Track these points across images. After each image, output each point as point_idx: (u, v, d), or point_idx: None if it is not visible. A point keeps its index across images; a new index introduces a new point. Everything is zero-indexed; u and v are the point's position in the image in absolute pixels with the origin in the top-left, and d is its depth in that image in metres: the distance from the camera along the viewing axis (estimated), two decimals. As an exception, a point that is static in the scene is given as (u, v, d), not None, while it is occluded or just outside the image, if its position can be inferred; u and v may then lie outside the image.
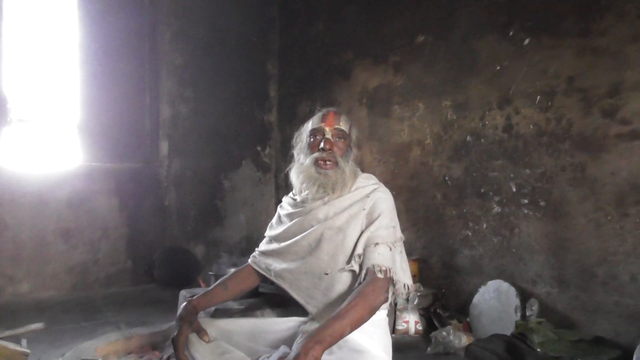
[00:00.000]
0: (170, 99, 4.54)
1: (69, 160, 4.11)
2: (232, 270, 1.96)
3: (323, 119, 1.72)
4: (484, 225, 3.09)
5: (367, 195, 1.66)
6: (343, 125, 1.72)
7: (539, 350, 2.23)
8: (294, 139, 1.81)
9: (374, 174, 1.82)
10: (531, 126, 2.84)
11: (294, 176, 1.74)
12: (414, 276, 3.20)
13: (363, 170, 1.81)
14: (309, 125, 1.76)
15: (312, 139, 1.71)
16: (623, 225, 2.44)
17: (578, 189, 2.62)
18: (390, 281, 1.53)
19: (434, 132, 3.44)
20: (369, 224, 1.60)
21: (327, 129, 1.69)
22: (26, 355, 2.38)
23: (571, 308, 2.64)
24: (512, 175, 2.94)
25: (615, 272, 2.47)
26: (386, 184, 1.77)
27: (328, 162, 1.66)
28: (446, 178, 3.34)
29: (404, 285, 1.56)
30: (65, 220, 3.95)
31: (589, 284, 2.57)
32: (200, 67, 4.67)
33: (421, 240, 3.50)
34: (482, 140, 3.12)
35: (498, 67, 3.01)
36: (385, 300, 1.52)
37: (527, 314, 2.69)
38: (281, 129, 5.08)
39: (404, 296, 1.62)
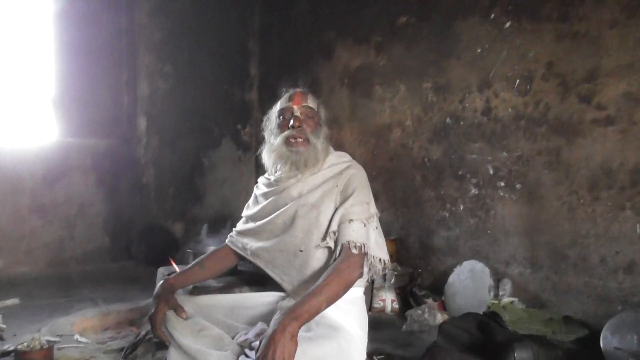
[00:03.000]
0: (149, 75, 4.45)
1: (44, 135, 4.02)
2: (211, 249, 1.96)
3: (290, 98, 1.74)
4: (461, 207, 3.14)
5: (340, 173, 1.68)
6: (311, 103, 1.73)
7: (509, 328, 2.29)
8: (264, 122, 1.83)
9: (354, 154, 1.84)
10: (509, 110, 2.87)
11: (266, 156, 1.76)
12: (391, 256, 3.23)
13: (344, 151, 1.82)
14: (277, 107, 1.77)
15: (281, 119, 1.73)
16: (595, 208, 2.51)
17: (553, 173, 2.68)
18: (365, 256, 1.56)
19: (415, 113, 3.45)
20: (343, 200, 1.62)
21: (295, 107, 1.71)
22: (1, 330, 2.37)
23: (542, 288, 2.72)
24: (489, 157, 2.98)
25: (585, 254, 2.54)
26: (366, 164, 1.78)
27: (299, 139, 1.67)
28: (425, 160, 3.37)
29: (380, 260, 1.59)
30: (41, 196, 3.89)
31: (560, 265, 2.64)
32: (179, 43, 4.59)
33: (399, 220, 3.54)
34: (461, 122, 3.14)
35: (479, 50, 3.02)
36: (361, 276, 1.55)
37: (500, 293, 2.76)
38: (262, 108, 5.03)
39: (381, 272, 1.65)
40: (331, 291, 1.41)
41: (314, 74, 4.32)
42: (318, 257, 1.63)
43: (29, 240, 3.83)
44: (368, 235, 1.58)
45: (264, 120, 1.83)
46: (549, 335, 2.29)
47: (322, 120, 1.77)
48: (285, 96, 1.76)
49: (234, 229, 1.90)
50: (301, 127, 1.67)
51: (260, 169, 5.08)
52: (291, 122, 1.68)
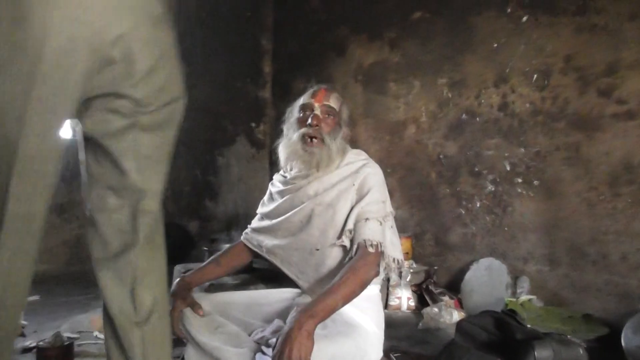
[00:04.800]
0: (164, 74, 4.48)
1: (61, 134, 4.07)
2: (226, 246, 1.97)
3: (313, 95, 1.72)
4: (477, 204, 3.11)
5: (357, 171, 1.67)
6: (333, 103, 1.71)
7: (528, 326, 2.26)
8: (286, 114, 1.81)
9: (368, 151, 1.82)
10: (527, 105, 2.84)
11: (281, 151, 1.75)
12: (406, 253, 3.23)
13: (358, 148, 1.81)
14: (299, 101, 1.76)
15: (301, 115, 1.72)
16: (615, 205, 2.46)
17: (572, 169, 2.64)
18: (381, 255, 1.55)
19: (430, 110, 3.43)
20: (359, 199, 1.61)
21: (316, 105, 1.69)
22: (23, 326, 2.40)
23: (561, 286, 2.68)
24: (506, 154, 2.94)
25: (605, 251, 2.50)
26: (381, 161, 1.77)
27: (314, 140, 1.66)
28: (441, 156, 3.35)
29: (394, 259, 1.58)
30: (59, 195, 3.93)
31: (580, 262, 2.60)
32: (193, 42, 4.60)
33: (415, 217, 3.52)
34: (477, 118, 3.11)
35: (495, 45, 2.98)
36: (376, 275, 1.54)
37: (518, 291, 2.73)
38: (275, 106, 5.04)
39: (395, 271, 1.63)
40: (347, 290, 1.40)
41: (327, 70, 4.31)
42: (334, 256, 1.62)
43: (47, 238, 3.88)
44: (384, 234, 1.57)
45: (287, 111, 1.81)
46: (569, 333, 2.25)
47: (342, 121, 1.75)
48: (310, 91, 1.74)
49: (249, 225, 1.90)
50: (318, 127, 1.66)
51: (274, 167, 5.08)
52: (309, 120, 1.67)
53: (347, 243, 1.59)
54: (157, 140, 1.14)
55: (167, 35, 1.08)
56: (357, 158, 1.73)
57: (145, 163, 1.14)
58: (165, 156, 1.19)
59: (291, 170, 1.78)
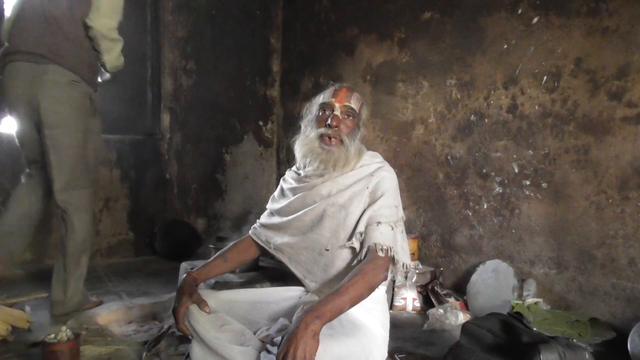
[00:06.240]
0: (173, 72, 4.50)
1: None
2: (232, 242, 1.97)
3: (334, 94, 1.70)
4: (485, 206, 3.10)
5: (371, 174, 1.66)
6: (354, 104, 1.69)
7: (534, 329, 2.25)
8: (305, 110, 1.79)
9: (376, 151, 1.82)
10: (536, 107, 2.82)
11: (297, 148, 1.73)
12: (412, 254, 3.22)
13: (366, 148, 1.81)
14: (320, 98, 1.74)
15: (320, 113, 1.70)
16: (624, 208, 2.45)
17: (581, 172, 2.62)
18: (391, 260, 1.54)
19: (438, 110, 3.41)
20: (372, 202, 1.61)
21: (337, 105, 1.67)
22: (30, 321, 2.42)
23: (568, 289, 2.67)
24: (514, 156, 2.93)
25: (614, 255, 2.48)
26: (388, 162, 1.77)
27: (333, 139, 1.65)
28: (448, 157, 3.34)
29: (403, 264, 1.58)
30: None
31: (587, 266, 2.59)
32: (202, 40, 4.62)
33: (421, 218, 3.51)
34: (486, 120, 3.10)
35: (505, 46, 2.97)
36: (385, 279, 1.54)
37: (524, 294, 2.71)
38: (283, 104, 5.04)
39: (403, 275, 1.63)
40: (355, 292, 1.40)
41: (336, 70, 4.31)
42: (343, 257, 1.62)
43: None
44: (395, 238, 1.57)
45: (305, 108, 1.79)
46: (575, 337, 2.24)
47: (361, 122, 1.74)
48: (331, 89, 1.72)
49: (257, 220, 1.90)
50: (338, 128, 1.65)
51: (281, 166, 5.09)
52: (329, 120, 1.65)
53: (357, 245, 1.59)
54: None
55: None
56: (372, 160, 1.72)
57: None
58: None
59: (305, 167, 1.77)
